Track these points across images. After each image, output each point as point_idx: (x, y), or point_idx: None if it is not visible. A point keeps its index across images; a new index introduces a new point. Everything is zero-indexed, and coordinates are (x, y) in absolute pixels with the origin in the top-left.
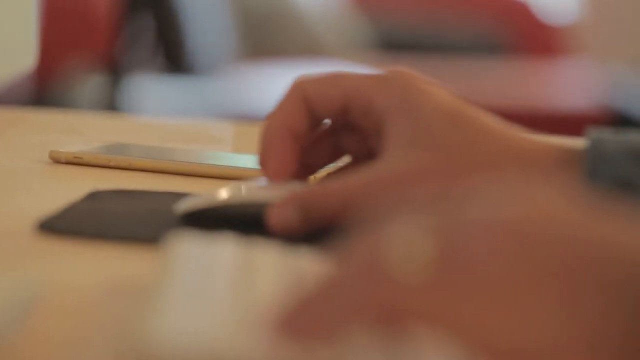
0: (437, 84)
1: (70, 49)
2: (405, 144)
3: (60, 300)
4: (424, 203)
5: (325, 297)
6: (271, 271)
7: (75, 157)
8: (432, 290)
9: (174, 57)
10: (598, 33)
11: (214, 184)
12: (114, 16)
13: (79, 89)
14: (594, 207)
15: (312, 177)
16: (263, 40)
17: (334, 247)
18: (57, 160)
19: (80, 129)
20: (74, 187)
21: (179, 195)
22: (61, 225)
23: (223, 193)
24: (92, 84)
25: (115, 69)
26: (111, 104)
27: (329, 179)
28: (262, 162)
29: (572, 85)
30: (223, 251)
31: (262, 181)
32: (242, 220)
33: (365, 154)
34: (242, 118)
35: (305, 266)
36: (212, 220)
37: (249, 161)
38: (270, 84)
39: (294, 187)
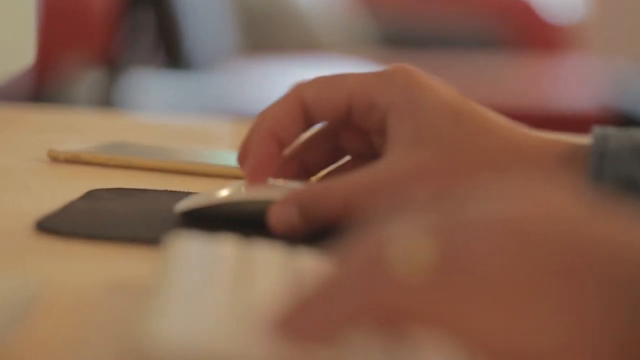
0: (439, 80)
1: (68, 45)
2: (408, 142)
3: (58, 300)
4: (424, 202)
5: (325, 297)
6: (271, 272)
7: (73, 156)
8: (432, 290)
9: (172, 53)
10: (602, 31)
11: (213, 182)
12: (112, 12)
13: (77, 85)
14: (596, 205)
15: (312, 178)
16: (263, 35)
17: (334, 247)
18: (56, 159)
19: (79, 128)
20: (72, 186)
21: (178, 195)
22: (59, 225)
23: (222, 192)
24: (90, 79)
25: (113, 65)
26: (109, 100)
27: (330, 179)
28: (241, 160)
29: (574, 84)
30: (223, 251)
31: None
32: (242, 219)
33: (367, 154)
34: (241, 114)
35: (305, 266)
36: (211, 218)
37: None
38: (270, 80)
39: (295, 187)
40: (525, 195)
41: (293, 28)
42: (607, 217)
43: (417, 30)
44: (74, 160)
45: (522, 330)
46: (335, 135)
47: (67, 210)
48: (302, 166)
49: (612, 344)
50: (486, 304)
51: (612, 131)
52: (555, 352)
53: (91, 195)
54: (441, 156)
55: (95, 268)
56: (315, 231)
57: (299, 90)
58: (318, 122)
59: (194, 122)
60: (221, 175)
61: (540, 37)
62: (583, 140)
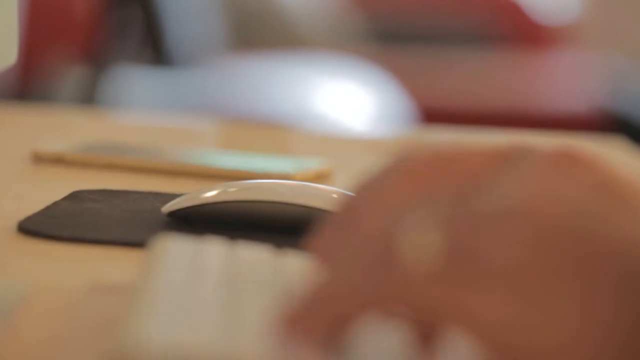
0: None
1: (51, 42)
2: None
3: (41, 302)
4: (438, 195)
5: (334, 289)
6: (258, 274)
7: (57, 156)
8: (443, 280)
9: (158, 50)
10: (597, 29)
11: (199, 183)
12: (97, 8)
13: (61, 82)
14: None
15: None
16: (250, 32)
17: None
18: (39, 159)
19: (63, 127)
20: (56, 186)
21: (163, 196)
22: (42, 227)
23: (210, 192)
24: (74, 77)
25: (98, 62)
26: (94, 98)
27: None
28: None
29: (568, 83)
30: (209, 253)
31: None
32: (229, 220)
33: None
34: (227, 112)
35: (292, 268)
36: (198, 219)
37: (234, 160)
38: (257, 77)
39: (282, 188)
40: (541, 187)
41: (281, 24)
42: (624, 209)
43: (409, 26)
44: (58, 160)
45: (533, 322)
46: None
47: (51, 211)
48: None
49: (622, 338)
50: (498, 295)
51: None
52: (565, 345)
53: (75, 196)
54: None
55: (78, 270)
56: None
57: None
58: None
59: (179, 122)
60: (207, 175)
61: (534, 36)
62: None
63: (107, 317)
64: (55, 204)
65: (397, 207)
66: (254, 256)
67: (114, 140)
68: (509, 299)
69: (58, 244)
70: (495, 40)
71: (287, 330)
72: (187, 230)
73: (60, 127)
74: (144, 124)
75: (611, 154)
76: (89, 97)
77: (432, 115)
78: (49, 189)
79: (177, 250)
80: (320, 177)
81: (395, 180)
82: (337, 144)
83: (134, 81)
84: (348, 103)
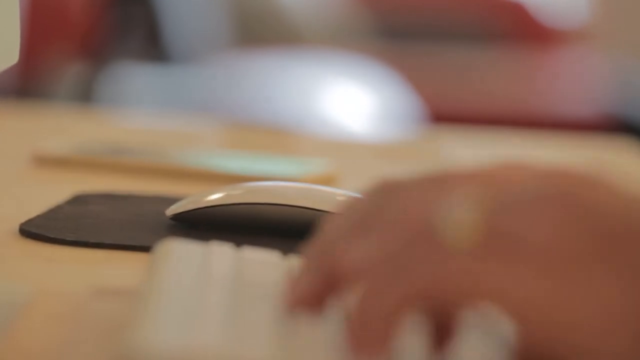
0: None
1: (51, 39)
2: None
3: (43, 306)
4: (481, 179)
5: (377, 285)
6: (263, 278)
7: (59, 158)
8: (479, 258)
9: (158, 47)
10: (605, 32)
11: (204, 185)
12: (98, 5)
13: (61, 79)
14: None
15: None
16: (252, 29)
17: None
18: (42, 160)
19: (65, 129)
20: (58, 188)
21: (166, 199)
22: (43, 230)
23: (214, 194)
24: (74, 74)
25: (99, 59)
26: (94, 95)
27: None
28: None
29: (574, 85)
30: (214, 258)
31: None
32: (234, 222)
33: None
34: (228, 109)
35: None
36: (203, 222)
37: (239, 162)
38: (257, 74)
39: (288, 191)
40: (585, 180)
41: (285, 21)
42: None
43: (415, 24)
44: (59, 162)
45: (571, 299)
46: None
47: (53, 214)
48: None
49: None
50: (536, 272)
51: None
52: (599, 324)
53: (78, 199)
54: None
55: (81, 273)
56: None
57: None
58: None
59: (182, 123)
60: (211, 177)
61: (542, 36)
62: None
63: (111, 321)
64: (58, 206)
65: (431, 199)
66: (259, 260)
67: (116, 142)
68: (547, 276)
69: (60, 247)
70: (502, 41)
71: (356, 351)
72: (191, 234)
73: (62, 129)
74: (147, 125)
75: (618, 156)
76: (89, 95)
77: (438, 115)
78: (51, 191)
79: (182, 254)
80: (326, 180)
81: (426, 183)
82: (342, 146)
83: (135, 78)
84: (352, 102)
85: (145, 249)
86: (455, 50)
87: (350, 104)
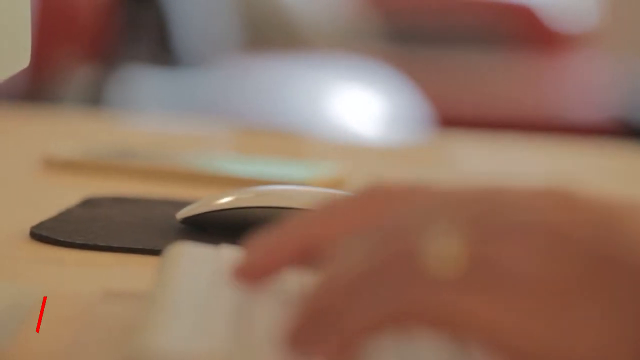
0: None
1: (61, 41)
2: None
3: (53, 309)
4: (462, 204)
5: (352, 296)
6: (273, 283)
7: (69, 162)
8: (464, 287)
9: (167, 50)
10: (614, 36)
11: (213, 189)
12: (107, 8)
13: (71, 82)
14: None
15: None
16: (261, 32)
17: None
18: (52, 164)
19: (75, 132)
20: (68, 192)
21: (176, 203)
22: (54, 233)
23: (225, 198)
24: (84, 76)
25: (108, 62)
26: (104, 98)
27: None
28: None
29: (585, 90)
30: (224, 263)
31: (263, 186)
32: (245, 226)
33: None
34: (237, 112)
35: (308, 278)
36: (213, 225)
37: (248, 166)
38: (266, 78)
39: (298, 194)
40: (567, 201)
41: (293, 25)
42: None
43: (424, 27)
44: (69, 165)
45: (556, 334)
46: None
47: (63, 217)
48: None
49: None
50: (520, 305)
51: None
52: (590, 357)
53: (88, 202)
54: None
55: (91, 276)
56: None
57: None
58: None
59: (191, 126)
60: (221, 181)
61: (551, 41)
62: None
63: (120, 324)
64: (68, 210)
65: (409, 217)
66: None
67: (126, 145)
68: (532, 309)
69: (70, 250)
70: (511, 45)
71: (294, 350)
72: (201, 237)
73: (72, 132)
74: (156, 128)
75: (626, 161)
76: (98, 98)
77: (447, 118)
78: (61, 195)
79: (192, 258)
80: (335, 183)
81: (399, 197)
82: (351, 149)
83: (144, 82)
84: (361, 105)
85: (155, 252)
86: (463, 54)
87: (359, 107)
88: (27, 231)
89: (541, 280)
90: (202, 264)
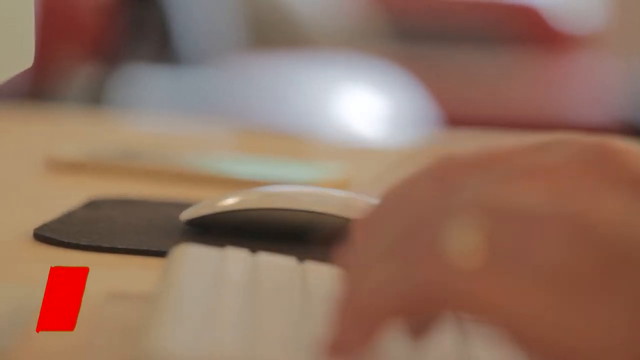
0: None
1: (63, 40)
2: None
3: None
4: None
5: (370, 289)
6: (278, 284)
7: (72, 162)
8: (484, 272)
9: (169, 49)
10: (621, 38)
11: (217, 190)
12: (110, 6)
13: (73, 81)
14: None
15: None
16: (265, 31)
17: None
18: (55, 165)
19: (78, 132)
20: (71, 193)
21: (180, 205)
22: (58, 234)
23: (229, 199)
24: (86, 76)
25: (110, 61)
26: (106, 97)
27: None
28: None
29: (590, 91)
30: (229, 264)
31: (269, 187)
32: (250, 227)
33: None
34: (240, 111)
35: (313, 278)
36: (218, 227)
37: (253, 167)
38: (269, 77)
39: (303, 196)
40: (592, 191)
41: (297, 24)
42: None
43: (427, 26)
44: (72, 166)
45: (575, 321)
46: None
47: (67, 218)
48: None
49: None
50: (539, 293)
51: None
52: (608, 348)
53: (92, 203)
54: None
55: (95, 278)
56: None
57: None
58: None
59: (194, 126)
60: (225, 182)
61: (556, 41)
62: None
63: (125, 325)
64: (72, 211)
65: (435, 198)
66: (275, 265)
67: (129, 146)
68: (550, 297)
69: (74, 251)
70: (516, 45)
71: (333, 352)
72: (206, 239)
73: (75, 132)
74: (159, 128)
75: None
76: (101, 98)
77: (452, 118)
78: (64, 196)
79: (197, 259)
80: (340, 184)
81: (427, 176)
82: (356, 150)
83: (147, 81)
84: (366, 105)
85: (160, 253)
86: (469, 54)
87: (364, 107)
88: (31, 232)
89: (561, 271)
90: (207, 265)
